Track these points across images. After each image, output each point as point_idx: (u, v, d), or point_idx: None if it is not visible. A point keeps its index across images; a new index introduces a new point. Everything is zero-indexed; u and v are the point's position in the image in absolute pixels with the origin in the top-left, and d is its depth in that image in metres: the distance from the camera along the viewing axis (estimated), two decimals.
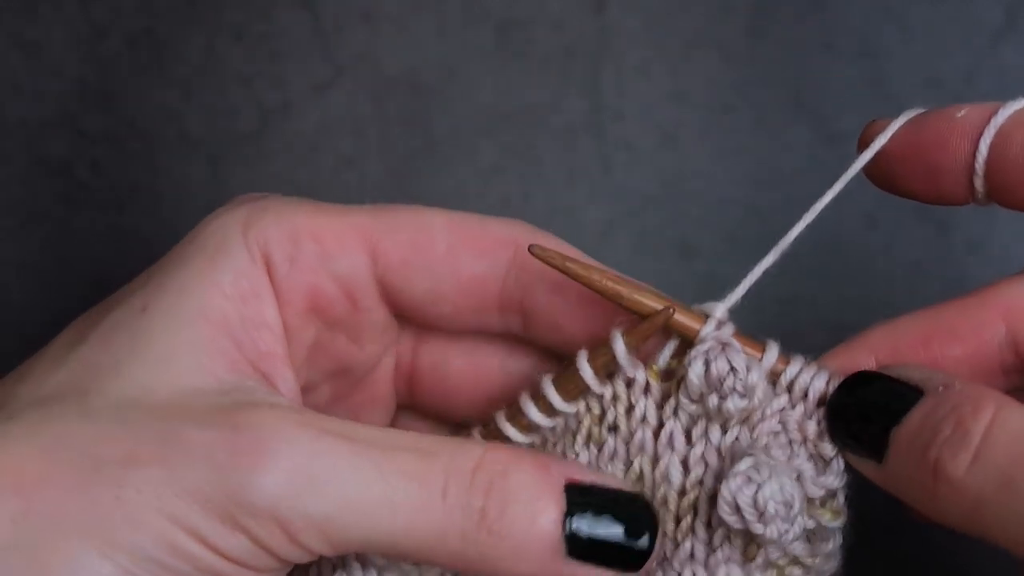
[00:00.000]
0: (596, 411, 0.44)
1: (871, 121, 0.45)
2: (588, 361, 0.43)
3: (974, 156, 0.43)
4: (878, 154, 0.44)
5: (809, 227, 0.45)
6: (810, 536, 0.43)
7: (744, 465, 0.41)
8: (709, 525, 0.43)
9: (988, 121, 0.42)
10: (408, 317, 0.47)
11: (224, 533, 0.38)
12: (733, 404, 0.43)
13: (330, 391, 0.48)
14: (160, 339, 0.41)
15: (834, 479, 0.43)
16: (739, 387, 0.42)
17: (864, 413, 0.42)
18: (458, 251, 0.45)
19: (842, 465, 0.43)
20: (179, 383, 0.40)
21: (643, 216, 0.66)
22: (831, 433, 0.43)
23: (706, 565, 0.43)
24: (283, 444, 0.39)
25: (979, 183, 0.43)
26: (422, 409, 0.50)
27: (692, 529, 0.43)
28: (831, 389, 0.43)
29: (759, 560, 0.43)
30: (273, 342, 0.43)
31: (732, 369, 0.42)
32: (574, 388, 0.44)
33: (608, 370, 0.44)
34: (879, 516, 0.45)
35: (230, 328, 0.42)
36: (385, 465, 0.39)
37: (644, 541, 0.41)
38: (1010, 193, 0.43)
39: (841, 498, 0.44)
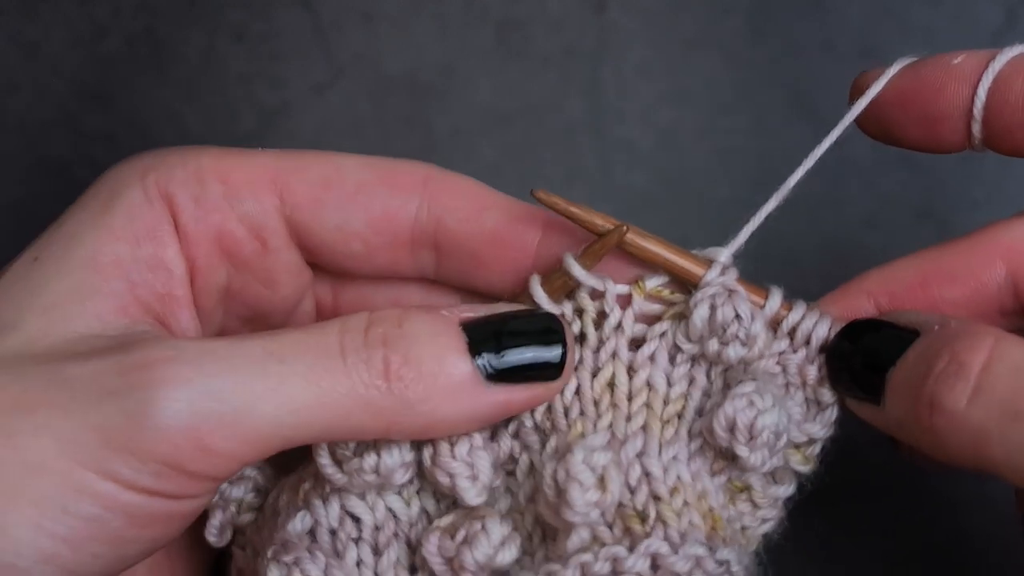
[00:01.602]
0: None
1: (862, 72, 0.45)
2: (542, 285, 0.43)
3: (972, 101, 0.43)
4: (872, 104, 0.44)
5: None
6: (771, 473, 0.44)
7: (749, 387, 0.42)
8: (690, 433, 0.43)
9: (986, 67, 0.43)
10: (320, 260, 0.46)
11: (130, 461, 0.37)
12: (734, 351, 0.43)
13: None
14: (49, 287, 0.41)
15: (820, 429, 0.44)
16: (741, 335, 0.43)
17: (862, 358, 0.42)
18: (368, 187, 0.45)
19: (834, 416, 0.43)
20: (66, 329, 0.40)
21: (643, 216, 0.66)
22: (831, 379, 0.43)
23: (688, 468, 0.43)
24: (169, 352, 0.38)
25: (977, 128, 0.43)
26: None
27: (678, 434, 0.43)
28: (832, 336, 0.43)
29: (722, 477, 0.43)
30: (171, 283, 0.43)
31: (737, 317, 0.43)
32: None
33: (566, 290, 0.44)
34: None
35: (123, 270, 0.41)
36: (274, 347, 0.39)
37: (556, 350, 0.41)
38: (1008, 138, 0.43)
39: (817, 448, 0.44)
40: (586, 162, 0.66)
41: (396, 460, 0.42)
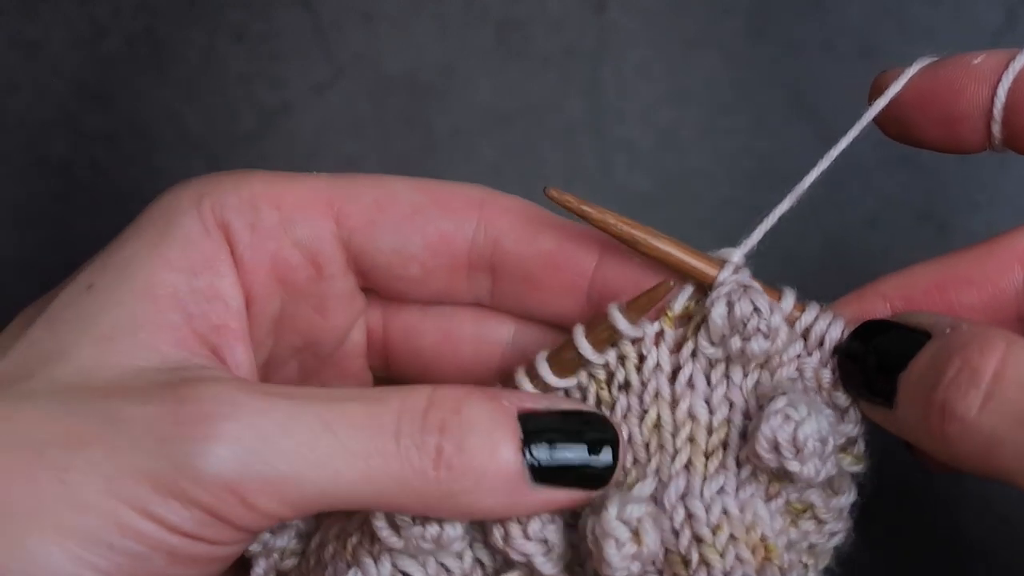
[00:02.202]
0: (602, 376, 0.44)
1: (882, 71, 0.45)
2: (586, 336, 0.43)
3: (992, 101, 0.42)
4: (891, 104, 0.44)
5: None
6: (828, 484, 0.43)
7: (781, 403, 0.41)
8: (737, 461, 0.43)
9: (1006, 67, 0.42)
10: (376, 284, 0.46)
11: (174, 507, 0.37)
12: (757, 345, 0.42)
13: (298, 367, 0.47)
14: (104, 317, 0.40)
15: (852, 427, 0.43)
16: (763, 327, 0.42)
17: (873, 360, 0.42)
18: (424, 209, 0.44)
19: (858, 414, 0.43)
20: (122, 362, 0.40)
21: (643, 216, 0.66)
22: (843, 381, 0.43)
23: (737, 499, 0.42)
24: (225, 408, 0.38)
25: (997, 129, 0.43)
26: (399, 381, 0.49)
27: (724, 465, 0.42)
28: (844, 337, 0.43)
29: (780, 500, 0.42)
30: (226, 314, 0.42)
31: (756, 309, 0.42)
32: (572, 363, 0.43)
33: (610, 342, 0.43)
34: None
35: (179, 301, 0.41)
36: (329, 416, 0.38)
37: (606, 456, 0.41)
38: None
39: (862, 444, 0.43)
40: (586, 162, 0.66)
41: (459, 532, 0.41)
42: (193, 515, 0.37)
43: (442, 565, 0.42)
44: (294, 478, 0.38)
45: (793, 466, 0.41)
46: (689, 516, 0.41)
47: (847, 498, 0.44)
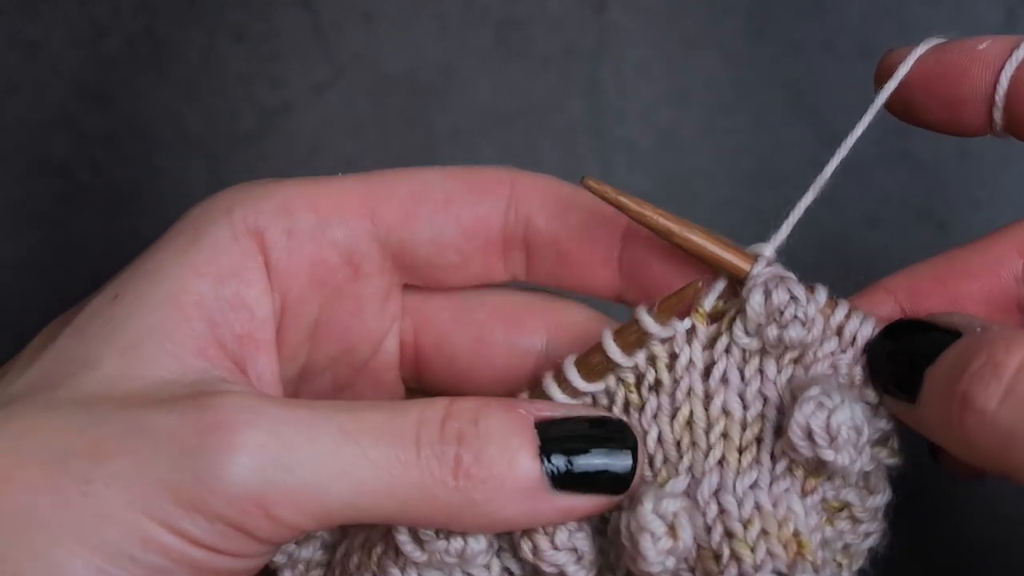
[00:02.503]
0: (631, 379, 0.43)
1: (889, 50, 0.45)
2: (615, 340, 0.43)
3: (995, 87, 0.43)
4: (899, 84, 0.44)
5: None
6: (864, 482, 0.43)
7: (815, 390, 0.41)
8: (772, 456, 0.42)
9: (1010, 54, 0.42)
10: (415, 277, 0.46)
11: (198, 520, 0.37)
12: (795, 332, 0.42)
13: (332, 379, 0.47)
14: (129, 326, 0.40)
15: (886, 422, 0.43)
16: (800, 314, 0.42)
17: (904, 357, 0.42)
18: (456, 196, 0.45)
19: (885, 422, 0.43)
20: (145, 372, 0.40)
21: None
22: (873, 377, 0.43)
23: (770, 493, 0.42)
24: (247, 417, 0.38)
25: (998, 114, 0.43)
26: (431, 394, 0.49)
27: (757, 460, 0.42)
28: (875, 334, 0.43)
29: (816, 496, 0.42)
30: (251, 324, 0.42)
31: (793, 297, 0.42)
32: (600, 367, 0.43)
33: (639, 344, 0.43)
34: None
35: (204, 309, 0.41)
36: (351, 425, 0.38)
37: (626, 461, 0.41)
38: None
39: (896, 439, 0.43)
40: (586, 162, 0.66)
41: (482, 546, 0.41)
42: (215, 528, 0.37)
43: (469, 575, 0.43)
44: (316, 488, 0.38)
45: (828, 455, 0.41)
46: (721, 511, 0.41)
47: (883, 497, 0.44)
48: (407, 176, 0.45)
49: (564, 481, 0.40)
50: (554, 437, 0.40)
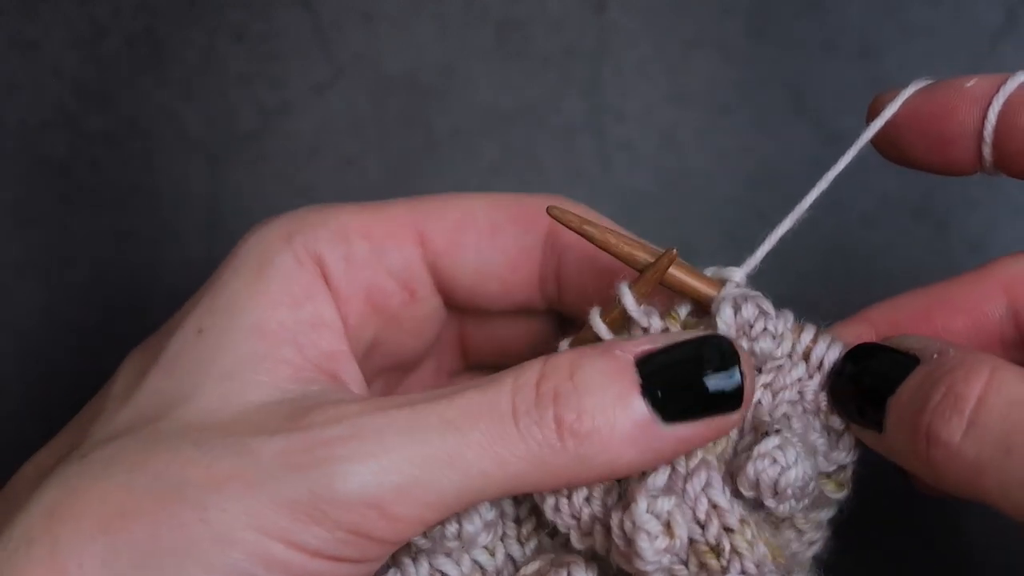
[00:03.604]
0: None
1: (878, 94, 0.45)
2: (601, 316, 0.43)
3: (983, 124, 0.43)
4: (887, 125, 0.44)
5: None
6: (809, 502, 0.43)
7: (771, 444, 0.41)
8: (729, 473, 0.43)
9: (997, 90, 0.43)
10: (457, 302, 0.47)
11: (318, 532, 0.37)
12: (766, 345, 0.42)
13: (383, 385, 0.49)
14: (220, 359, 0.41)
15: (845, 455, 0.43)
16: (770, 327, 0.42)
17: (864, 384, 0.42)
18: (501, 227, 0.46)
19: (853, 440, 0.43)
20: (244, 400, 0.40)
21: (643, 216, 0.66)
22: (835, 404, 0.43)
23: (730, 504, 0.42)
24: (350, 428, 0.38)
25: (987, 151, 0.43)
26: (477, 370, 0.50)
27: (726, 473, 0.43)
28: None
29: (762, 513, 0.43)
30: (335, 340, 0.43)
31: (761, 312, 0.42)
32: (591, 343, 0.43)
33: (622, 321, 0.43)
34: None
35: (288, 335, 0.42)
36: (450, 412, 0.39)
37: (734, 377, 0.40)
38: (1018, 162, 0.43)
39: (848, 472, 0.44)
40: (586, 162, 0.66)
41: (477, 527, 0.42)
42: (336, 536, 0.38)
43: (476, 563, 0.43)
44: (428, 480, 0.38)
45: (769, 503, 0.41)
46: (715, 506, 0.41)
47: (827, 512, 0.44)
48: (453, 203, 0.46)
49: (674, 412, 0.39)
50: (655, 371, 0.39)
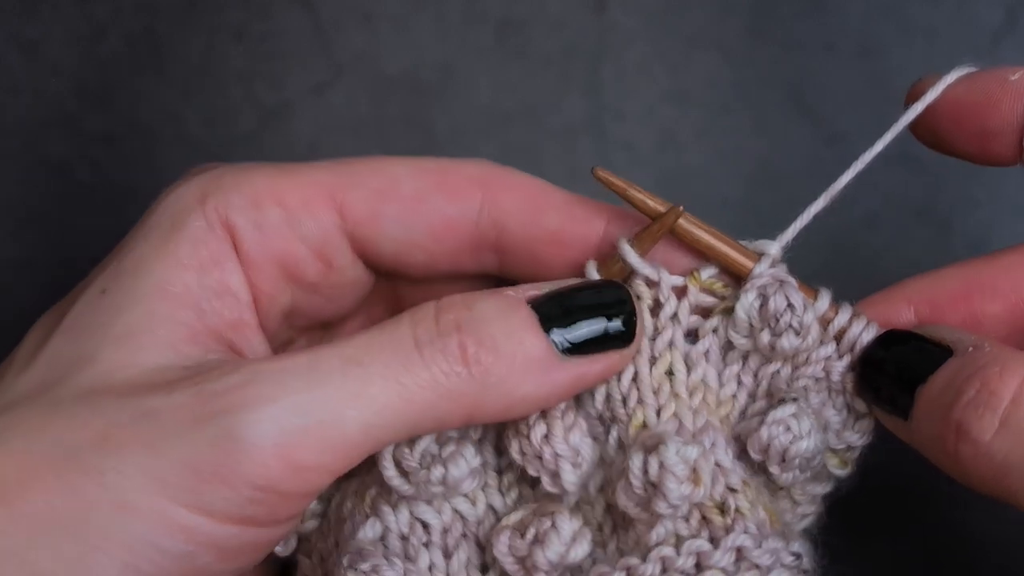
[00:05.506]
0: None
1: (919, 79, 0.45)
2: (598, 271, 0.43)
3: None
4: (926, 112, 0.44)
5: (810, 227, 0.45)
6: (810, 472, 0.43)
7: (787, 412, 0.41)
8: (735, 436, 0.43)
9: None
10: (382, 269, 0.46)
11: (222, 491, 0.36)
12: (788, 342, 0.42)
13: (307, 342, 0.48)
14: (120, 319, 0.40)
15: (858, 437, 0.43)
16: (795, 324, 0.42)
17: (893, 370, 0.42)
18: (426, 197, 0.44)
19: (871, 425, 0.43)
20: (141, 361, 0.39)
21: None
22: (862, 387, 0.43)
23: (732, 464, 0.42)
24: (249, 378, 0.38)
25: None
26: None
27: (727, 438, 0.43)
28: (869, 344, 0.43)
29: (761, 476, 0.43)
30: (239, 309, 0.42)
31: (790, 306, 0.42)
32: None
33: (623, 276, 0.43)
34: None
35: (191, 299, 0.41)
36: (350, 350, 0.38)
37: (624, 310, 0.41)
38: None
39: (855, 453, 0.44)
40: (586, 162, 0.66)
41: (463, 471, 0.41)
42: (242, 494, 0.37)
43: (457, 512, 0.43)
44: (333, 422, 0.37)
45: (774, 470, 0.42)
46: (719, 466, 0.41)
47: (823, 487, 0.44)
48: (375, 169, 0.44)
49: (571, 348, 0.40)
50: (548, 312, 0.40)
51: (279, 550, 0.44)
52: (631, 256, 0.43)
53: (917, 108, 0.44)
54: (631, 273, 0.43)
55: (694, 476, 0.40)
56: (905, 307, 0.44)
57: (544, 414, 0.42)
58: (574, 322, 0.40)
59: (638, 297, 0.43)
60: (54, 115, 0.67)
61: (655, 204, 0.43)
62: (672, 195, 0.64)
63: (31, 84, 0.67)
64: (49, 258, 0.67)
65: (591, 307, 0.41)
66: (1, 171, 0.67)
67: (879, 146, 0.44)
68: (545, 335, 0.40)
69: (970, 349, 0.40)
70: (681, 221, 0.43)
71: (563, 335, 0.40)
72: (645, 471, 0.40)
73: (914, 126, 0.45)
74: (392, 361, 0.38)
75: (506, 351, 0.39)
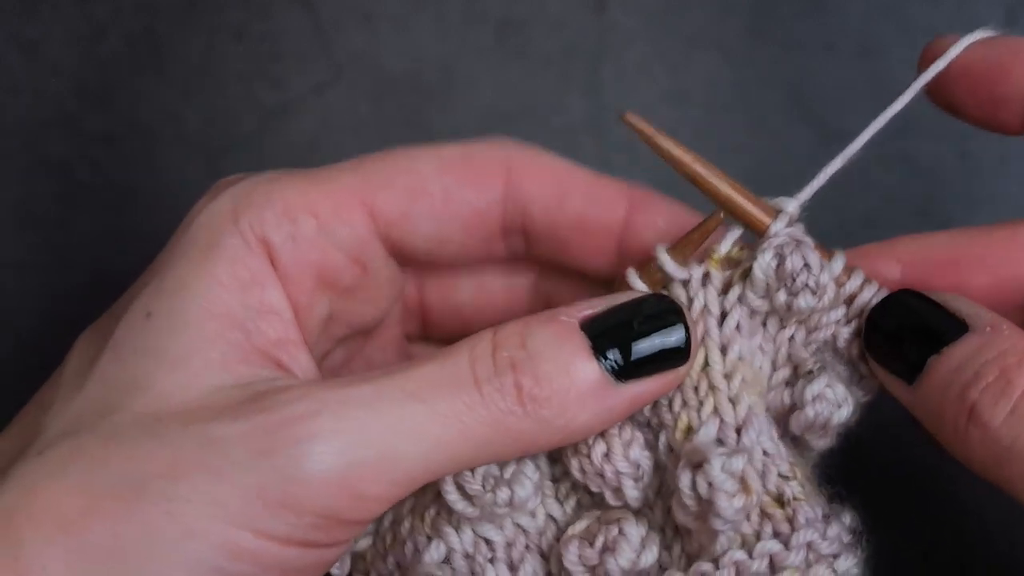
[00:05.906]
0: None
1: (937, 36, 0.45)
2: (641, 279, 0.43)
3: None
4: (942, 74, 0.44)
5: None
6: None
7: (822, 384, 0.42)
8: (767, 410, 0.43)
9: None
10: (415, 264, 0.47)
11: (287, 517, 0.37)
12: (804, 301, 0.42)
13: (344, 352, 0.48)
14: (169, 344, 0.40)
15: (862, 394, 0.43)
16: (811, 283, 0.42)
17: (904, 333, 0.42)
18: (453, 191, 0.45)
19: (875, 386, 0.43)
20: (198, 384, 0.40)
21: None
22: (867, 345, 0.43)
23: (777, 447, 0.42)
24: (312, 407, 0.38)
25: None
26: (435, 340, 0.50)
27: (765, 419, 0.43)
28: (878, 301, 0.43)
29: (792, 449, 0.43)
30: (282, 327, 0.43)
31: (806, 265, 0.42)
32: None
33: (662, 283, 0.43)
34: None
35: (236, 319, 0.41)
36: (412, 385, 0.39)
37: (679, 333, 0.41)
38: None
39: (856, 412, 0.44)
40: (586, 162, 0.66)
41: (528, 490, 0.42)
42: (305, 522, 0.37)
43: (518, 526, 0.43)
44: (396, 455, 0.38)
45: (812, 439, 0.42)
46: (766, 455, 0.42)
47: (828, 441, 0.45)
48: (401, 167, 0.45)
49: (625, 371, 0.40)
50: (601, 332, 0.40)
51: (335, 571, 0.45)
52: (668, 265, 0.43)
53: (932, 71, 0.44)
54: (669, 278, 0.43)
55: (743, 486, 0.40)
56: (894, 264, 0.44)
57: (602, 432, 0.42)
58: (629, 342, 0.40)
59: (686, 307, 0.43)
60: (54, 115, 0.67)
61: (681, 153, 0.43)
62: (672, 195, 0.65)
63: (31, 84, 0.67)
64: (49, 258, 0.67)
65: (646, 326, 0.41)
66: (1, 171, 0.67)
67: (898, 104, 0.44)
68: (598, 363, 0.40)
69: (988, 329, 0.40)
70: (699, 168, 0.43)
71: (617, 358, 0.40)
72: (694, 489, 0.40)
73: (930, 87, 0.44)
74: (453, 399, 0.39)
75: (560, 386, 0.40)
